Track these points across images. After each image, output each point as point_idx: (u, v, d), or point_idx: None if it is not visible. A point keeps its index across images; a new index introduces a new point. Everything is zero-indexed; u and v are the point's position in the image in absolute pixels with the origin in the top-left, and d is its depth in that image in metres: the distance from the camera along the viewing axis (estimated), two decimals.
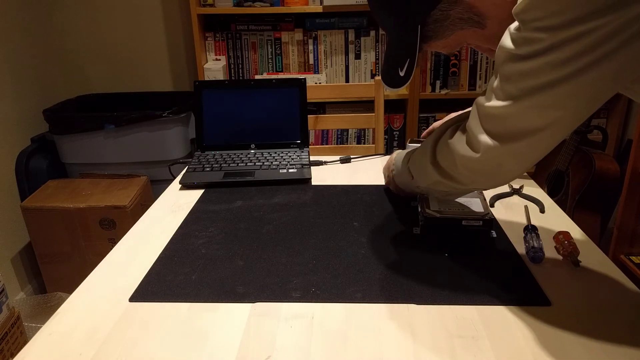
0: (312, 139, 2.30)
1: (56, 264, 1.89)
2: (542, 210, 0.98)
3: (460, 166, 0.70)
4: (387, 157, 1.32)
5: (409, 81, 0.73)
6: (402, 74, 0.74)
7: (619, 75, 0.53)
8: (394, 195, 1.05)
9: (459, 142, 0.69)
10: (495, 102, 0.61)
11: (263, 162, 1.21)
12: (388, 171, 1.04)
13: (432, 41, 0.71)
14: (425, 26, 0.69)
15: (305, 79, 1.31)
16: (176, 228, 0.94)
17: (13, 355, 1.46)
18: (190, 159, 1.25)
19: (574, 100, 0.55)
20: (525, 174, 1.17)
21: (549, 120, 0.58)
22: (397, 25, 0.72)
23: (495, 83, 0.61)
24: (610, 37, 0.50)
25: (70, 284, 1.91)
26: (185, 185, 1.14)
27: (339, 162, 1.29)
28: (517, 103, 0.58)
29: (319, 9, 2.05)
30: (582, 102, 0.56)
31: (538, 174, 2.03)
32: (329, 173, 1.21)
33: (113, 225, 1.83)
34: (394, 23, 0.73)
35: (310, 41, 2.17)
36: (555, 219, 0.95)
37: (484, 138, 0.63)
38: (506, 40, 0.58)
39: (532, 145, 0.61)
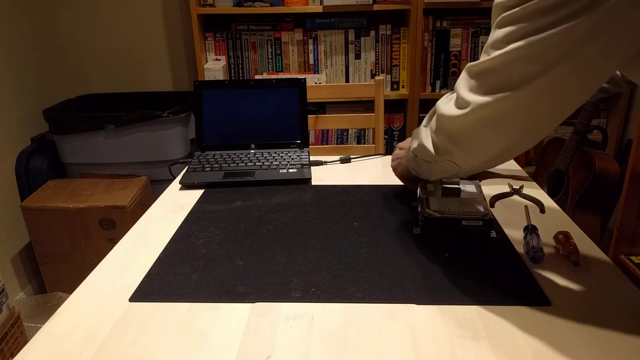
0: (312, 139, 2.30)
1: (56, 264, 1.89)
2: (542, 210, 0.98)
3: (439, 127, 0.70)
4: (387, 157, 1.32)
5: None
6: None
7: (603, 30, 0.51)
8: (394, 195, 1.05)
9: (444, 102, 0.70)
10: (482, 59, 0.61)
11: (263, 162, 1.21)
12: (399, 155, 1.03)
13: None
14: None
15: (305, 79, 1.31)
16: (176, 228, 0.94)
17: (13, 355, 1.46)
18: (190, 159, 1.25)
19: (554, 52, 0.54)
20: (526, 174, 1.17)
21: (528, 74, 0.56)
22: None
23: (486, 45, 0.61)
24: None
25: (70, 284, 1.91)
26: (185, 185, 1.14)
27: (339, 162, 1.29)
28: (502, 54, 0.58)
29: (319, 9, 2.05)
30: (562, 56, 0.53)
31: (538, 174, 2.03)
32: (329, 173, 1.21)
33: (113, 225, 1.83)
34: None
35: (310, 41, 2.17)
36: (555, 219, 0.95)
37: (468, 95, 0.63)
38: None
39: (509, 106, 0.59)
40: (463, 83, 0.65)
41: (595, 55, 0.53)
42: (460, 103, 0.65)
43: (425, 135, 0.77)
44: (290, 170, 1.17)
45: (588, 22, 0.51)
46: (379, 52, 2.17)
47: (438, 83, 2.19)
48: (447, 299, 0.71)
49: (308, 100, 1.33)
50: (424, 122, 0.80)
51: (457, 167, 0.73)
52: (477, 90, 0.62)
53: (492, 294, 0.72)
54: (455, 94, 0.68)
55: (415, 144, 0.82)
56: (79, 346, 0.64)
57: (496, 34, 0.59)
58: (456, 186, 0.93)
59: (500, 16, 0.58)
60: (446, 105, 0.69)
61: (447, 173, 0.79)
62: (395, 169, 1.04)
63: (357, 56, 2.18)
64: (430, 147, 0.75)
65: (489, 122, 0.62)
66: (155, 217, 0.99)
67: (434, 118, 0.75)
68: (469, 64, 0.64)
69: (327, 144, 2.31)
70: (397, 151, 1.05)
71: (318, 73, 2.20)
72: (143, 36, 2.35)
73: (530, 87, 0.57)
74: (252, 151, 1.29)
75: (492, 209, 0.99)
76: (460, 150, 0.68)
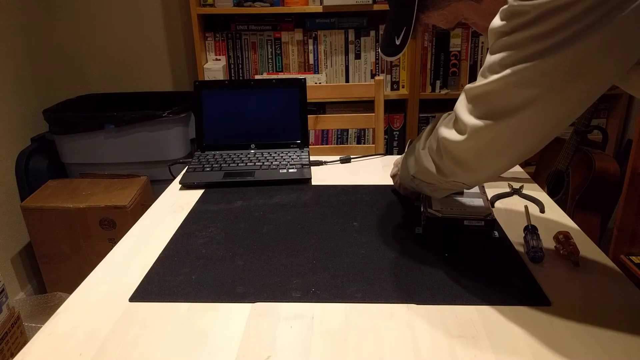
0: (312, 139, 2.30)
1: (56, 264, 1.89)
2: (542, 210, 0.98)
3: (444, 151, 0.70)
4: (387, 157, 1.32)
5: (404, 50, 0.77)
6: (398, 42, 0.77)
7: (597, 55, 0.52)
8: (394, 195, 1.05)
9: (446, 126, 0.70)
10: (480, 82, 0.62)
11: (263, 162, 1.21)
12: (395, 169, 1.04)
13: (429, 11, 0.73)
14: None
15: (305, 79, 1.31)
16: (176, 228, 0.94)
17: (13, 355, 1.46)
18: (190, 159, 1.25)
19: (550, 76, 0.55)
20: (526, 174, 1.17)
21: (527, 98, 0.57)
22: None
23: (483, 67, 0.62)
24: (592, 11, 0.50)
25: (70, 284, 1.91)
26: (185, 185, 1.14)
27: (339, 162, 1.29)
28: (499, 78, 0.58)
29: (319, 9, 2.05)
30: (558, 80, 0.55)
31: (538, 174, 2.03)
32: (329, 173, 1.21)
33: (113, 225, 1.83)
34: None
35: (310, 41, 2.17)
36: (555, 219, 0.95)
37: (468, 118, 0.64)
38: (495, 20, 0.59)
39: (512, 129, 0.60)
40: (462, 106, 0.66)
41: (586, 76, 0.54)
42: (461, 127, 0.66)
43: (426, 159, 0.77)
44: (290, 170, 1.17)
45: (584, 47, 0.52)
46: (379, 52, 2.17)
47: (438, 83, 2.19)
48: (447, 299, 0.71)
49: (308, 100, 1.33)
50: (420, 144, 0.80)
51: (464, 185, 0.75)
52: (477, 113, 0.63)
53: (492, 294, 0.72)
54: (454, 114, 0.69)
55: (414, 168, 0.82)
56: (79, 346, 0.64)
57: (492, 58, 0.59)
58: None
59: (495, 41, 0.59)
60: (448, 129, 0.69)
61: (452, 191, 0.81)
62: (399, 188, 1.05)
63: (357, 56, 2.18)
64: (433, 169, 0.75)
65: (493, 144, 0.63)
66: (155, 217, 0.99)
67: (432, 139, 0.75)
68: (467, 86, 0.65)
69: (327, 144, 2.31)
70: (394, 169, 1.06)
71: (318, 73, 2.20)
72: (143, 36, 2.35)
73: (532, 110, 0.58)
74: (252, 151, 1.29)
75: (492, 209, 0.99)
76: (467, 171, 0.69)
